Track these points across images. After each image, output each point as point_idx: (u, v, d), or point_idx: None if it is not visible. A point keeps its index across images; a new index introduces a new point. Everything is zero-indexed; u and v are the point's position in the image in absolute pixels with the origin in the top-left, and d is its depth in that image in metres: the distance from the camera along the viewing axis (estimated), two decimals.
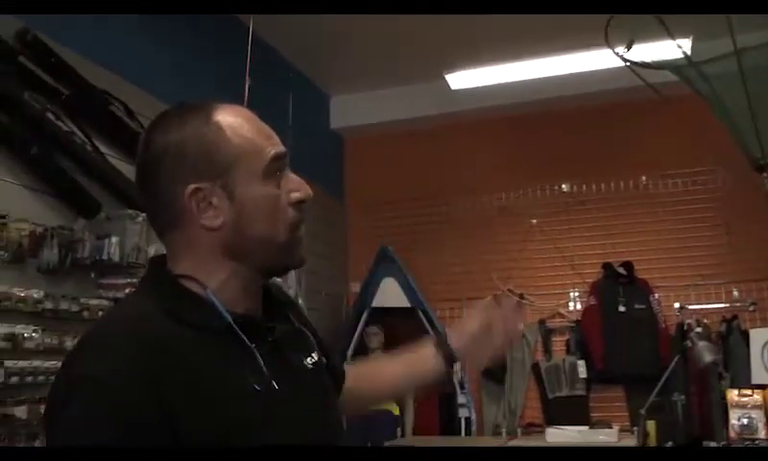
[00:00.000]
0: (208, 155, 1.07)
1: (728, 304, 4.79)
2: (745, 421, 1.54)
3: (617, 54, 2.49)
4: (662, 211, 5.03)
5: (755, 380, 1.67)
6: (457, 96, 4.85)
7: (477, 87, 4.68)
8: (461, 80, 4.59)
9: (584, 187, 5.19)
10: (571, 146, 5.23)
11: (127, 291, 3.18)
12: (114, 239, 3.14)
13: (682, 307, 4.80)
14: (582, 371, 4.99)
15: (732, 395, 1.56)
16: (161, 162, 1.07)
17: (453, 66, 4.46)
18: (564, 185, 5.23)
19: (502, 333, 1.48)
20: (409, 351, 1.49)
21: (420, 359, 1.47)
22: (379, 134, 5.61)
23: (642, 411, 3.51)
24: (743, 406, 1.56)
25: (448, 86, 4.65)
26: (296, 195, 1.12)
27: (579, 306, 5.20)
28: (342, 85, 5.44)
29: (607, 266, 5.08)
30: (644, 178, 5.06)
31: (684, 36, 2.61)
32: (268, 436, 1.01)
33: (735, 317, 4.71)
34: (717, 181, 4.89)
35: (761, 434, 1.52)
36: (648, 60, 2.56)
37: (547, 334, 5.21)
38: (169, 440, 0.92)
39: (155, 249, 3.02)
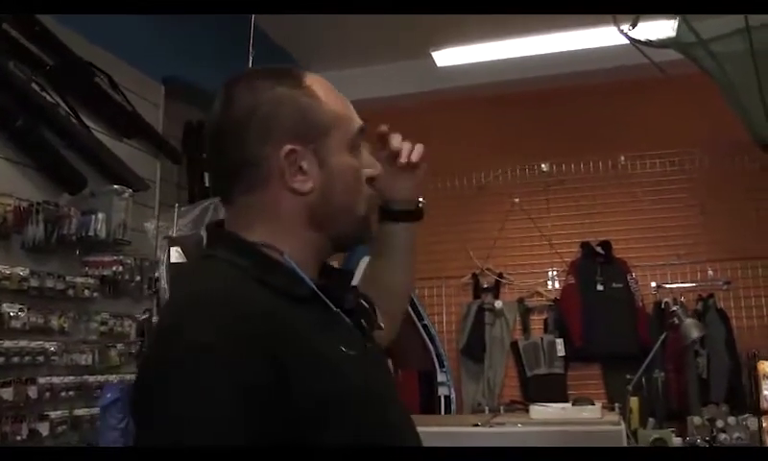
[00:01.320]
0: (303, 118, 1.05)
1: (703, 283, 4.87)
2: None
3: (622, 32, 2.48)
4: (640, 192, 5.08)
5: None
6: (442, 74, 4.82)
7: (463, 65, 4.65)
8: (447, 57, 4.57)
9: (563, 167, 5.21)
10: (552, 126, 5.24)
11: (114, 269, 3.11)
12: (101, 215, 3.05)
13: (658, 286, 4.87)
14: (560, 349, 5.04)
15: (765, 366, 1.58)
16: (250, 121, 1.04)
17: (440, 44, 4.43)
18: (543, 165, 5.25)
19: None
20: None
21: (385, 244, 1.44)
22: (363, 112, 5.53)
23: (629, 387, 3.57)
24: None
25: (434, 64, 4.62)
26: (369, 171, 1.14)
27: (557, 285, 5.24)
28: (325, 63, 5.35)
29: (585, 245, 5.13)
30: (623, 158, 5.10)
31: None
32: (367, 400, 1.01)
33: (711, 296, 4.80)
34: (694, 163, 4.96)
35: None
36: (651, 38, 2.56)
37: (526, 313, 5.24)
38: (285, 405, 0.90)
39: (153, 224, 2.93)
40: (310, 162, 1.05)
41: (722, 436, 2.94)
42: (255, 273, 1.01)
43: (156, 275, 3.31)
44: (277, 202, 1.05)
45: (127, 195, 3.19)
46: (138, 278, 3.25)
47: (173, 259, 2.42)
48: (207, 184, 4.13)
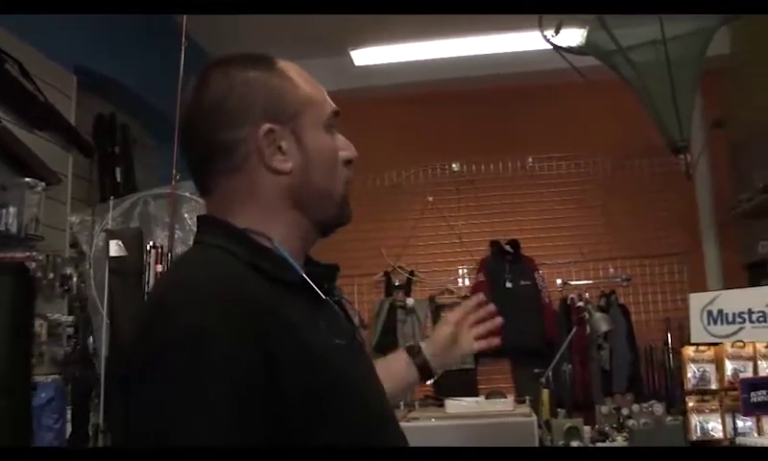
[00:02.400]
0: (279, 98, 1.06)
1: (605, 280, 5.10)
2: (700, 374, 1.68)
3: (546, 38, 2.59)
4: (547, 192, 5.28)
5: (695, 339, 1.84)
6: (359, 72, 4.84)
7: (380, 65, 4.70)
8: (365, 56, 4.59)
9: (473, 167, 5.34)
10: (463, 127, 5.37)
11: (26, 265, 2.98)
12: (12, 209, 2.92)
13: (564, 283, 5.07)
14: None
15: (688, 351, 1.70)
16: (225, 103, 1.04)
17: (359, 43, 4.45)
18: (454, 165, 5.36)
19: (471, 339, 1.56)
20: (383, 363, 1.49)
21: (392, 375, 1.46)
22: None
23: (542, 380, 3.70)
24: (699, 361, 1.69)
25: (352, 62, 4.63)
26: (345, 153, 1.13)
27: (468, 283, 5.36)
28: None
29: (494, 244, 5.27)
30: (530, 159, 5.28)
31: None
32: (354, 389, 1.02)
33: (613, 292, 5.04)
34: (597, 166, 5.19)
35: (713, 385, 1.66)
36: (569, 44, 2.67)
37: (437, 310, 5.33)
38: (275, 390, 0.90)
39: (77, 218, 2.82)
40: (289, 141, 1.06)
41: (630, 422, 3.09)
42: (247, 259, 1.00)
43: (69, 272, 3.19)
44: (258, 184, 1.05)
45: (39, 189, 3.06)
46: (51, 275, 3.13)
47: (112, 253, 2.34)
48: (119, 179, 4.02)
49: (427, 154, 5.39)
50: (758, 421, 1.62)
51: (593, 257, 5.17)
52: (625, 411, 3.40)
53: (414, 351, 1.50)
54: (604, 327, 3.47)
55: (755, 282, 4.74)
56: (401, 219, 5.43)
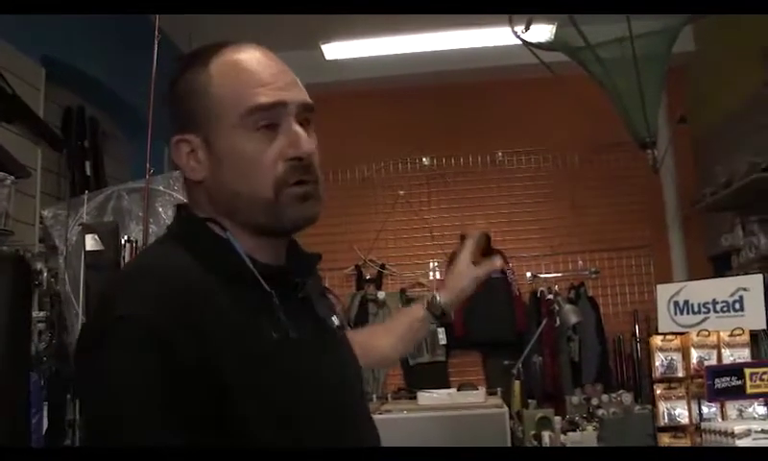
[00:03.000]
0: (195, 104, 1.05)
1: (574, 273, 5.17)
2: (667, 362, 1.73)
3: (516, 34, 2.62)
4: (517, 186, 5.34)
5: (661, 329, 1.88)
6: (329, 66, 4.84)
7: (350, 59, 4.71)
8: (336, 50, 4.60)
9: (443, 161, 5.38)
10: (433, 121, 5.41)
11: None
12: None
13: (534, 276, 5.12)
14: (442, 337, 5.17)
15: (656, 340, 1.74)
16: (170, 110, 1.09)
17: (330, 36, 4.45)
18: (424, 159, 5.39)
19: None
20: (400, 314, 1.59)
21: (410, 325, 1.62)
22: None
23: (514, 371, 3.75)
24: (666, 350, 1.74)
25: (323, 55, 4.64)
26: (290, 152, 1.05)
27: (438, 276, 5.39)
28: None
29: (464, 237, 5.29)
30: (500, 153, 5.33)
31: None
32: (303, 383, 1.01)
33: (582, 284, 5.11)
34: (565, 159, 5.26)
35: (679, 373, 1.71)
36: (538, 40, 2.71)
37: (408, 303, 5.35)
38: (206, 380, 0.90)
39: (50, 212, 2.80)
40: (202, 150, 1.05)
41: (599, 411, 3.14)
42: (198, 249, 1.02)
43: (39, 267, 3.16)
44: (189, 188, 1.09)
45: (9, 182, 3.02)
46: None
47: (89, 247, 2.33)
48: (89, 173, 3.98)
49: (398, 148, 5.42)
50: (722, 406, 1.67)
51: (563, 250, 5.24)
52: (595, 401, 3.45)
53: (434, 305, 1.62)
54: (573, 320, 3.53)
55: (719, 274, 4.85)
56: (372, 213, 5.45)
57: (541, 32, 3.03)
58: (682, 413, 1.73)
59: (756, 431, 1.43)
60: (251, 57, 1.07)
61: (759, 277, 1.92)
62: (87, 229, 2.41)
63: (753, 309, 1.79)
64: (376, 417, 3.69)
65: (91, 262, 2.33)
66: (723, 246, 4.63)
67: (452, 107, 5.39)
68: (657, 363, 1.76)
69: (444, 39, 4.54)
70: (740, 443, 1.44)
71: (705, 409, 1.69)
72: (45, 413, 2.16)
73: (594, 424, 3.22)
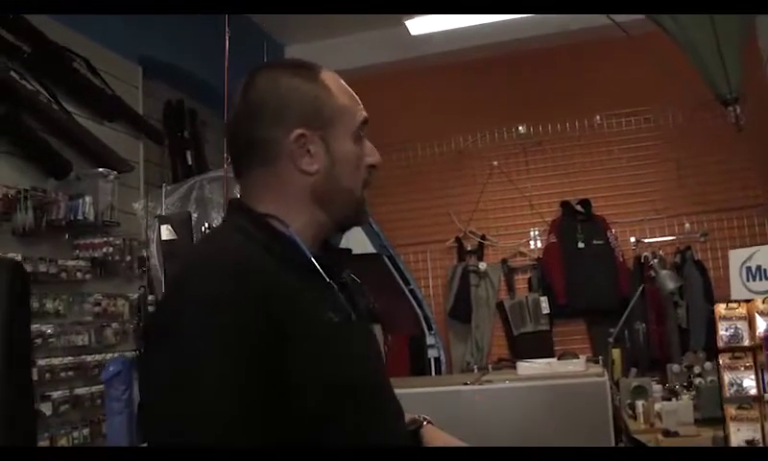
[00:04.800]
0: (314, 107, 1.17)
1: (680, 236, 4.97)
2: (732, 331, 1.66)
3: None
4: (617, 149, 5.18)
5: (734, 296, 1.81)
6: (416, 42, 4.85)
7: (435, 32, 4.69)
8: (421, 25, 4.60)
9: (540, 128, 5.29)
10: (527, 88, 5.31)
11: (104, 250, 3.18)
12: (88, 199, 3.12)
13: (638, 241, 4.96)
14: (545, 307, 5.14)
15: (720, 308, 1.69)
16: (267, 104, 1.16)
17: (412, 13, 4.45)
18: (521, 127, 5.32)
19: None
20: None
21: None
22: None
23: (611, 339, 3.68)
24: (729, 318, 1.68)
25: (408, 32, 4.65)
26: (370, 159, 1.24)
27: (539, 245, 5.34)
28: (297, 35, 5.38)
29: (565, 204, 5.22)
30: (598, 117, 5.17)
31: None
32: (349, 365, 1.12)
33: (688, 248, 4.91)
34: (667, 118, 5.04)
35: (746, 342, 1.65)
36: None
37: (510, 273, 5.34)
38: (275, 356, 1.00)
39: (141, 204, 2.99)
40: (317, 146, 1.17)
41: (697, 380, 3.05)
42: (261, 240, 1.13)
43: (145, 253, 3.38)
44: (285, 178, 1.17)
45: (112, 177, 3.24)
46: (129, 257, 3.32)
47: (163, 237, 2.50)
48: (190, 163, 4.18)
49: (491, 118, 5.36)
50: None
51: (668, 214, 5.04)
52: (697, 369, 3.35)
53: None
54: (670, 286, 3.42)
55: None
56: (470, 184, 5.44)
57: None
58: (750, 384, 1.66)
59: None
60: (340, 79, 1.25)
61: None
62: (162, 220, 2.56)
63: None
64: (476, 387, 3.74)
65: (167, 251, 2.49)
66: None
67: (544, 73, 5.27)
68: (721, 332, 1.69)
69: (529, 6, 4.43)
70: None
71: None
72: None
73: (693, 392, 3.13)
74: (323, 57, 5.39)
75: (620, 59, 4.99)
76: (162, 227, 2.49)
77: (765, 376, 1.62)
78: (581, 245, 5.09)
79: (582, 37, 4.94)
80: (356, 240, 5.17)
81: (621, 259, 5.03)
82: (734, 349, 1.70)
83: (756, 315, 1.70)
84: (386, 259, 5.12)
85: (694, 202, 5.02)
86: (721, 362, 1.72)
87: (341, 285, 1.18)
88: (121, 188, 3.34)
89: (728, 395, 1.71)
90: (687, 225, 4.98)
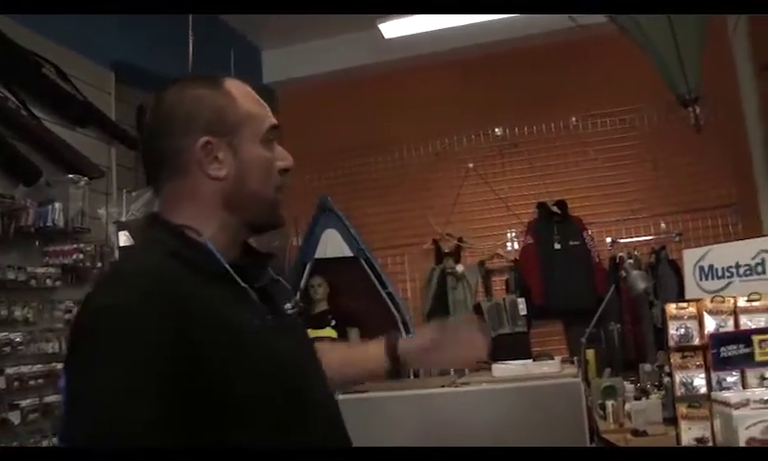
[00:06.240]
0: (220, 115, 1.21)
1: (656, 236, 5.01)
2: (682, 330, 1.69)
3: None
4: (592, 150, 5.21)
5: (688, 296, 1.84)
6: (390, 45, 4.86)
7: (410, 35, 4.70)
8: (393, 29, 4.61)
9: (516, 130, 5.32)
10: (503, 91, 5.34)
11: (74, 257, 3.17)
12: (57, 205, 3.10)
13: (613, 241, 4.99)
14: (522, 308, 5.16)
15: (670, 308, 1.71)
16: (175, 117, 1.20)
17: (385, 15, 4.46)
18: (497, 129, 5.34)
19: (456, 356, 1.63)
20: (360, 346, 1.61)
21: (365, 358, 1.59)
22: (313, 87, 5.59)
23: (583, 340, 3.70)
24: (680, 318, 1.70)
25: (382, 36, 4.66)
26: (282, 163, 1.27)
27: (516, 246, 5.36)
28: (273, 39, 5.39)
29: (541, 206, 5.24)
30: (574, 118, 5.21)
31: None
32: (268, 364, 1.13)
33: (663, 248, 4.94)
34: (643, 119, 5.08)
35: (696, 341, 1.67)
36: None
37: (487, 275, 5.36)
38: (185, 362, 1.02)
39: (102, 211, 2.99)
40: (225, 153, 1.21)
41: (666, 379, 3.07)
42: (176, 251, 1.15)
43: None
44: (197, 187, 1.20)
45: (82, 183, 3.23)
46: (100, 264, 3.30)
47: (121, 243, 2.50)
48: None
49: (468, 120, 5.38)
50: (743, 375, 1.62)
51: (643, 214, 5.08)
52: (668, 368, 3.37)
53: (391, 345, 1.55)
54: (641, 286, 3.43)
55: None
56: (447, 187, 5.45)
57: None
58: (700, 383, 1.69)
59: (755, 401, 1.38)
60: (247, 86, 1.29)
61: None
62: (121, 226, 2.56)
63: None
64: (453, 390, 3.75)
65: None
66: None
67: (518, 75, 5.30)
68: (671, 331, 1.71)
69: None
70: (737, 413, 1.40)
71: (729, 378, 1.64)
72: None
73: (662, 392, 3.15)
74: (299, 60, 5.41)
75: (596, 60, 5.03)
76: (120, 233, 2.49)
77: (713, 375, 1.65)
78: (557, 246, 5.12)
79: (557, 39, 4.97)
80: (333, 244, 5.20)
81: (597, 260, 5.06)
82: (685, 348, 1.72)
83: (705, 314, 1.72)
84: (363, 262, 5.14)
85: (669, 202, 5.06)
86: (672, 361, 1.74)
87: (260, 289, 1.21)
88: (93, 194, 3.33)
89: (678, 394, 1.73)
90: (663, 225, 5.02)
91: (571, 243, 5.11)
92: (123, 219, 2.75)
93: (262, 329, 1.15)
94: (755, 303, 1.66)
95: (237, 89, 1.25)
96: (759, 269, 1.73)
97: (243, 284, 1.16)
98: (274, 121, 1.27)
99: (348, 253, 5.17)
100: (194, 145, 1.18)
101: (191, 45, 2.55)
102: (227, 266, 1.15)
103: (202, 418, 1.02)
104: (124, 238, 2.47)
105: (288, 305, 1.31)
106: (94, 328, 1.03)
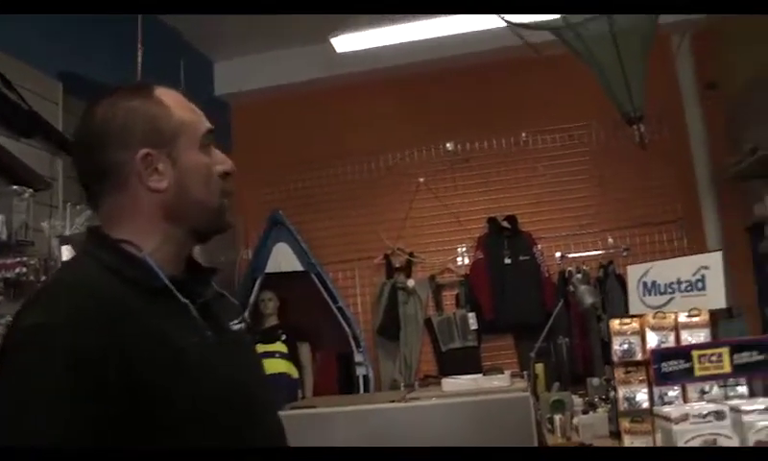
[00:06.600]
0: (155, 125, 1.19)
1: (604, 251, 5.10)
2: (626, 346, 1.72)
3: (501, 16, 2.61)
4: (541, 166, 5.29)
5: (632, 311, 1.87)
6: (342, 59, 4.87)
7: (361, 50, 4.71)
8: (345, 43, 4.62)
9: (467, 145, 5.37)
10: (454, 106, 5.40)
11: (17, 271, 3.09)
12: (1, 217, 3.02)
13: (562, 256, 5.08)
14: (472, 322, 5.20)
15: (614, 324, 1.74)
16: (109, 131, 1.17)
17: (337, 30, 4.47)
18: (448, 144, 5.39)
19: None
20: None
21: None
22: (266, 100, 5.57)
23: (532, 354, 3.73)
24: (624, 333, 1.73)
25: (333, 50, 4.67)
26: (222, 167, 1.25)
27: (467, 261, 5.39)
28: (225, 51, 5.35)
29: (491, 221, 5.29)
30: (524, 134, 5.29)
31: None
32: (207, 382, 1.10)
33: (611, 262, 5.03)
34: (591, 136, 5.18)
35: (638, 356, 1.70)
36: (528, 21, 2.69)
37: (438, 289, 5.39)
38: (118, 380, 0.99)
39: (46, 224, 2.92)
40: (164, 164, 1.19)
41: (612, 393, 3.12)
42: (113, 266, 1.12)
43: None
44: (137, 200, 1.18)
45: (27, 195, 3.16)
46: (44, 277, 3.22)
47: (64, 258, 2.45)
48: None
49: (419, 135, 5.43)
50: (684, 389, 1.65)
51: (591, 229, 5.17)
52: (614, 382, 3.42)
53: None
54: (588, 301, 3.49)
55: (755, 245, 4.72)
56: (398, 201, 5.48)
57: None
58: (642, 398, 1.72)
59: (694, 416, 1.42)
60: (179, 94, 1.26)
61: (719, 254, 1.88)
62: (63, 240, 2.51)
63: (713, 288, 1.75)
64: (403, 405, 3.75)
65: None
66: (756, 215, 4.51)
67: (469, 91, 5.37)
68: (615, 347, 1.74)
69: (451, 24, 4.50)
70: (677, 428, 1.43)
71: (671, 393, 1.67)
72: None
73: (609, 406, 3.20)
74: (251, 72, 5.38)
75: (545, 77, 5.10)
76: (63, 247, 2.44)
77: (655, 390, 1.67)
78: (507, 261, 5.17)
79: (508, 56, 5.03)
80: (284, 258, 5.17)
81: (547, 275, 5.13)
82: (628, 363, 1.75)
83: (648, 330, 1.76)
84: (314, 277, 5.13)
85: (617, 217, 5.16)
86: (616, 377, 1.77)
87: (203, 305, 1.18)
88: (38, 206, 3.25)
89: (622, 409, 1.76)
90: (611, 240, 5.12)
91: (521, 258, 5.17)
92: (67, 233, 2.69)
93: (201, 346, 1.12)
94: (694, 319, 1.70)
95: (169, 98, 1.23)
96: (699, 285, 1.77)
97: (183, 300, 1.13)
98: (209, 125, 1.26)
99: (298, 267, 5.15)
100: (133, 158, 1.16)
101: (140, 56, 2.50)
102: (166, 281, 1.13)
103: (135, 435, 1.00)
104: (67, 253, 2.41)
105: (234, 321, 1.28)
106: (16, 346, 1.01)
